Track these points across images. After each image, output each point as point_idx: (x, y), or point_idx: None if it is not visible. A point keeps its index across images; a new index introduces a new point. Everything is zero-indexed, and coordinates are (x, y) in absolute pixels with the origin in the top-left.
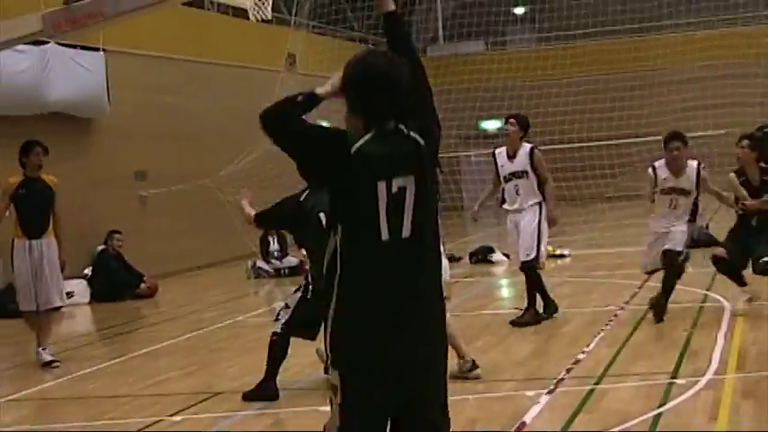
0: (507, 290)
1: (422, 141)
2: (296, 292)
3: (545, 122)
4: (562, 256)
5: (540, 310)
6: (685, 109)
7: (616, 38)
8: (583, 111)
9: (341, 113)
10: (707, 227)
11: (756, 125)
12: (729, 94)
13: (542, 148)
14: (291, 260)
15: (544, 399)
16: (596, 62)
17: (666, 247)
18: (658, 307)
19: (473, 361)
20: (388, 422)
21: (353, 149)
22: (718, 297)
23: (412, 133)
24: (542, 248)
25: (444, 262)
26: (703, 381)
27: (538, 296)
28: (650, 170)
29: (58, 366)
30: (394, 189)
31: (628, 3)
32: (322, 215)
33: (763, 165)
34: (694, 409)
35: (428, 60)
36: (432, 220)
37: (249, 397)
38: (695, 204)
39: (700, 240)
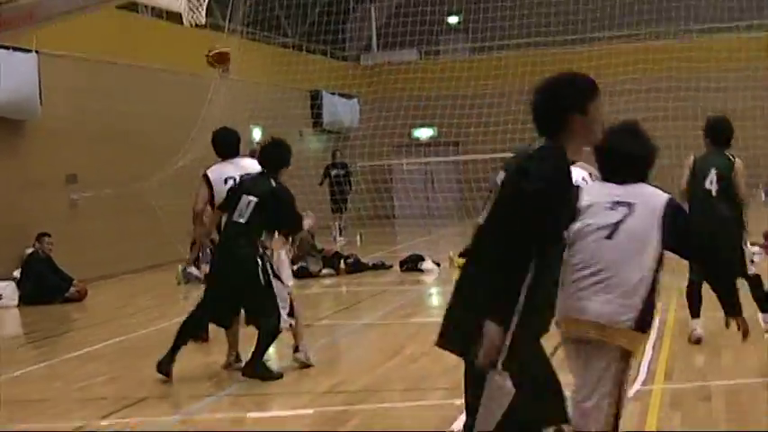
0: (437, 298)
1: None
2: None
3: (477, 132)
4: None
5: None
6: (609, 122)
7: (546, 49)
8: (515, 121)
9: None
10: None
11: (682, 137)
12: (654, 107)
13: (470, 157)
14: None
15: None
16: (528, 73)
17: None
18: None
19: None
20: None
21: None
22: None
23: None
24: None
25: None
26: (631, 392)
27: None
28: None
29: None
30: None
31: (561, 15)
32: None
33: None
34: (622, 420)
35: (361, 68)
36: None
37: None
38: None
39: None
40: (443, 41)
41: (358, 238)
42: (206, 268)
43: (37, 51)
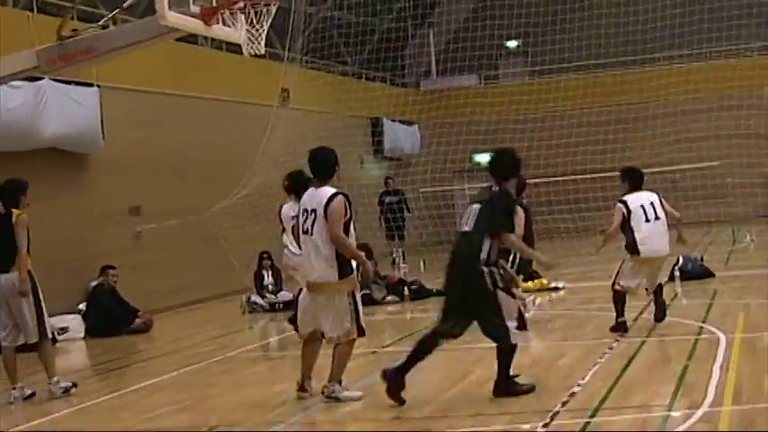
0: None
1: None
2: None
3: (538, 155)
4: (557, 288)
5: None
6: (677, 141)
7: (607, 71)
8: (576, 144)
9: None
10: (701, 259)
11: (745, 155)
12: (716, 126)
13: (536, 180)
14: (286, 294)
15: None
16: (588, 95)
17: None
18: None
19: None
20: None
21: None
22: (713, 329)
23: None
24: None
25: None
26: (699, 413)
27: None
28: None
29: (75, 388)
30: None
31: (620, 35)
32: None
33: None
34: None
35: (421, 94)
36: None
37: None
38: None
39: (693, 272)
40: (503, 66)
41: (421, 263)
42: (271, 297)
43: (98, 85)
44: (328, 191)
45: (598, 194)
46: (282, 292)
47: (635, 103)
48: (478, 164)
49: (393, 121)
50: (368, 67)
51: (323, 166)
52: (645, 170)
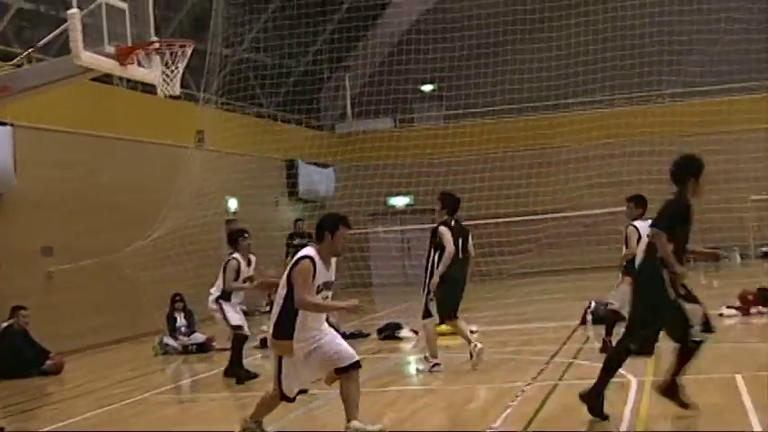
0: (415, 366)
1: None
2: None
3: None
4: (471, 332)
5: None
6: (590, 186)
7: (520, 115)
8: (490, 188)
9: None
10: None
11: (655, 201)
12: (628, 171)
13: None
14: (199, 336)
15: None
16: (502, 139)
17: None
18: None
19: None
20: None
21: None
22: (624, 372)
23: None
24: None
25: None
26: None
27: None
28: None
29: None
30: None
31: (533, 81)
32: None
33: None
34: None
35: (337, 137)
36: None
37: None
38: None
39: (602, 317)
40: (418, 109)
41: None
42: (184, 339)
43: (12, 124)
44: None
45: (512, 238)
46: (195, 334)
47: (548, 147)
48: (393, 207)
49: (308, 163)
50: (283, 110)
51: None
52: (557, 215)
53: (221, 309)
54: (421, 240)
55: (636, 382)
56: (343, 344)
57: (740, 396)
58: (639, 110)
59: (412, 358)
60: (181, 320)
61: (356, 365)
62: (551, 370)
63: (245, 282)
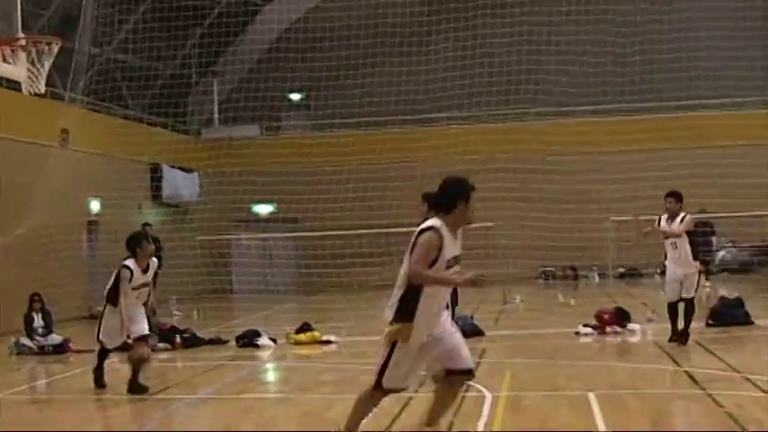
0: (272, 374)
1: None
2: None
3: (316, 209)
4: (329, 342)
5: None
6: None
7: (387, 128)
8: (354, 199)
9: None
10: (472, 317)
11: (518, 218)
12: (491, 188)
13: (313, 234)
14: (56, 338)
15: None
16: (368, 151)
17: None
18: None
19: None
20: None
21: None
22: (479, 387)
23: None
24: None
25: None
26: None
27: None
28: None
29: None
30: None
31: (401, 94)
32: None
33: None
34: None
35: (203, 142)
36: None
37: None
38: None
39: (463, 330)
40: (285, 117)
41: (195, 312)
42: (40, 340)
43: None
44: None
45: (374, 249)
46: (52, 335)
47: (412, 161)
48: (256, 214)
49: (173, 167)
50: (150, 112)
51: None
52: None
53: (102, 312)
54: (283, 249)
55: (491, 398)
56: (465, 344)
57: (592, 414)
58: (500, 128)
59: (270, 366)
60: (38, 321)
61: (470, 373)
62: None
63: (137, 288)
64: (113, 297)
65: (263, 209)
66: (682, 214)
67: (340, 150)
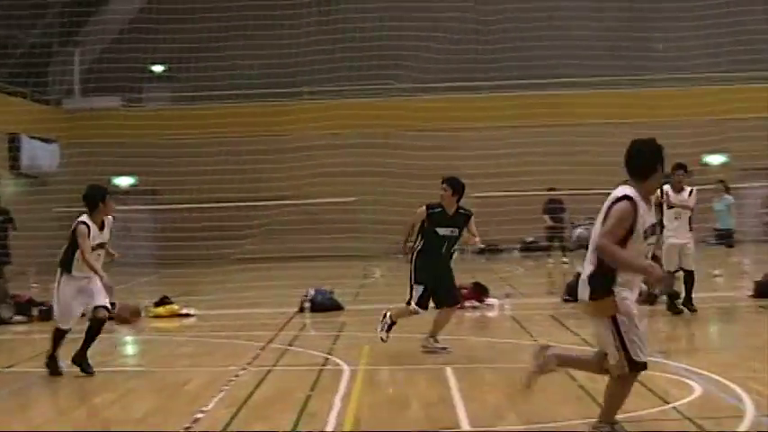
0: (131, 347)
1: None
2: None
3: (176, 181)
4: (188, 315)
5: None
6: (315, 175)
7: (251, 101)
8: (214, 171)
9: None
10: (332, 292)
11: (379, 193)
12: (354, 162)
13: (174, 206)
14: None
15: None
16: (232, 124)
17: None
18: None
19: None
20: None
21: None
22: (338, 361)
23: None
24: None
25: None
26: None
27: None
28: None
29: None
30: None
31: (265, 68)
32: None
33: None
34: None
35: (63, 113)
36: None
37: None
38: None
39: (323, 304)
40: (147, 89)
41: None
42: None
43: None
44: None
45: (236, 223)
46: None
47: (277, 135)
48: (117, 186)
49: (32, 137)
50: (9, 82)
51: None
52: (282, 202)
53: (58, 285)
54: (143, 221)
55: (348, 371)
56: None
57: (449, 388)
58: (369, 103)
59: (128, 339)
60: None
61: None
62: (266, 355)
63: (95, 249)
64: (69, 262)
65: (124, 181)
66: (688, 188)
67: (200, 123)
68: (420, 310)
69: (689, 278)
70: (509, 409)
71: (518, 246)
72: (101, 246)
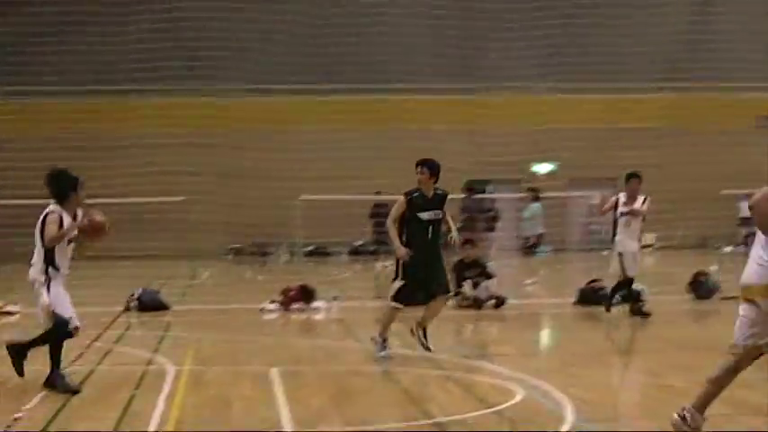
0: None
1: None
2: None
3: None
4: (10, 313)
5: None
6: (141, 174)
7: (79, 98)
8: (34, 168)
9: None
10: (158, 292)
11: (207, 192)
12: (184, 162)
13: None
14: None
15: None
16: (57, 120)
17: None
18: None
19: None
20: None
21: None
22: (163, 360)
23: None
24: None
25: None
26: None
27: None
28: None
29: None
30: None
31: (92, 64)
32: None
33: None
34: None
35: None
36: None
37: None
38: None
39: (149, 304)
40: None
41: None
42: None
43: None
44: None
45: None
46: None
47: (107, 132)
48: None
49: None
50: None
51: None
52: (107, 200)
53: (47, 284)
54: None
55: (173, 371)
56: None
57: (273, 389)
58: (198, 102)
59: None
60: None
61: None
62: (90, 354)
63: (70, 242)
64: (51, 263)
65: None
66: (641, 196)
67: (20, 118)
68: (400, 306)
69: (626, 284)
70: (332, 411)
71: (346, 249)
72: (75, 239)
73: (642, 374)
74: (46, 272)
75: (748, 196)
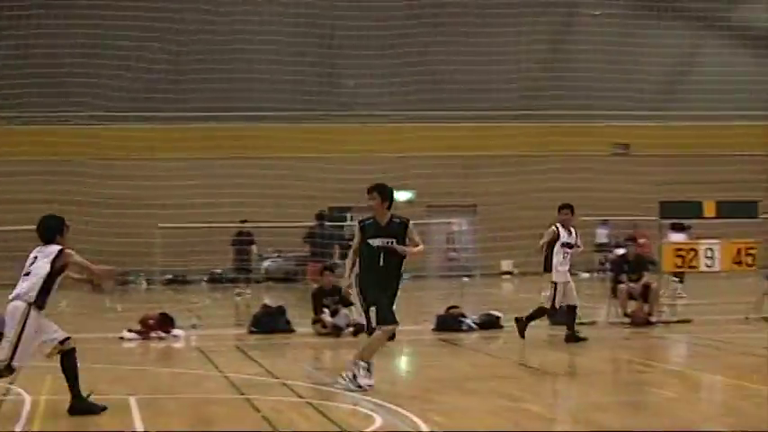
0: None
1: None
2: None
3: None
4: None
5: None
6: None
7: None
8: None
9: None
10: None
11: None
12: (41, 190)
13: None
14: None
15: None
16: None
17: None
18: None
19: None
20: None
21: None
22: (20, 390)
23: None
24: None
25: None
26: None
27: None
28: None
29: None
30: None
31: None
32: None
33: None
34: None
35: None
36: None
37: None
38: None
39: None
40: None
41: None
42: None
43: None
44: None
45: None
46: None
47: None
48: None
49: None
50: None
51: None
52: None
53: (23, 323)
54: None
55: (30, 401)
56: None
57: (132, 418)
58: (56, 130)
59: None
60: None
61: None
62: None
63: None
64: (44, 296)
65: None
66: (572, 228)
67: None
68: (394, 324)
69: (572, 312)
70: None
71: (206, 277)
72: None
73: (502, 399)
74: (28, 310)
75: (605, 223)
